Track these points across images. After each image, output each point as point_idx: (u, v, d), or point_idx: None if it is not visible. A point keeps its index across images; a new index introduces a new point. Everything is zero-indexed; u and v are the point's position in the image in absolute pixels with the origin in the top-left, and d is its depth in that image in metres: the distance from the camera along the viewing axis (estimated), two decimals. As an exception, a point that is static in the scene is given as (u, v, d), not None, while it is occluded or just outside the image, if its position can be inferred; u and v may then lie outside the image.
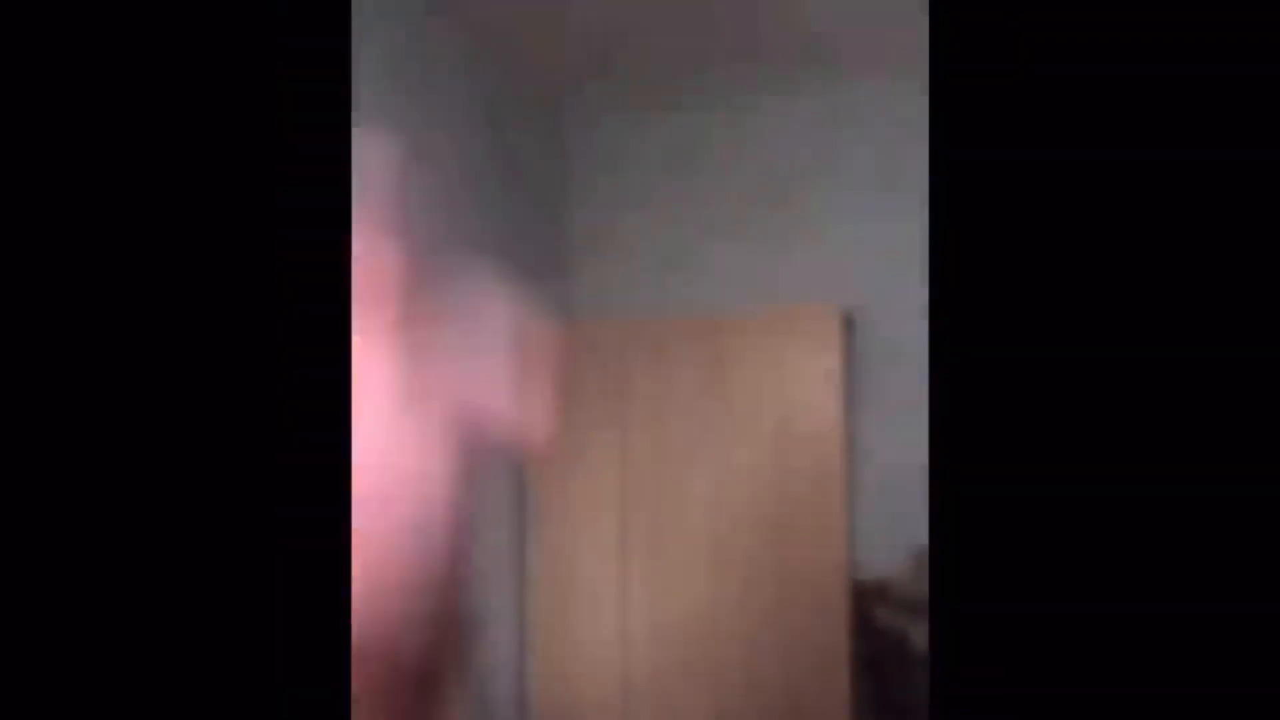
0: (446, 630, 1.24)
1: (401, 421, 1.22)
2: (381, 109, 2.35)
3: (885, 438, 3.04)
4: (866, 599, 2.90)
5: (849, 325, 2.84)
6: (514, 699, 2.93)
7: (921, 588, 2.88)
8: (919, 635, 2.74)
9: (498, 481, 2.92)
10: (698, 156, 3.34)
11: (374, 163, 1.29)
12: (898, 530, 2.98)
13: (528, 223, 3.19)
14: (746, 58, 3.01)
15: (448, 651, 1.25)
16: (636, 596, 2.89)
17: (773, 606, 2.73)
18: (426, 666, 1.21)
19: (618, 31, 2.78)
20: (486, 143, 2.96)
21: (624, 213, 3.42)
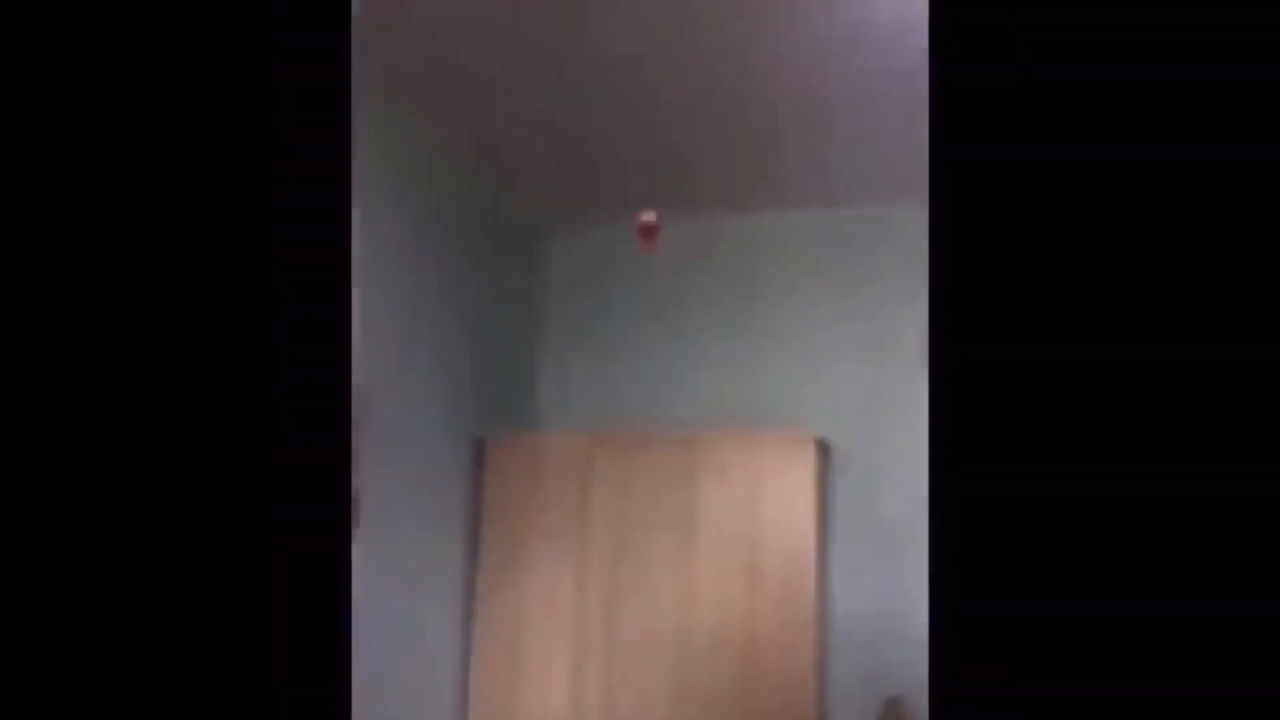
0: None
1: None
2: (368, 208, 2.30)
3: (858, 576, 2.90)
4: (834, 752, 2.69)
5: (825, 452, 2.75)
6: None
7: (892, 742, 2.68)
8: (890, 797, 2.52)
9: (443, 591, 2.71)
10: (675, 273, 3.33)
11: None
12: (869, 676, 2.80)
13: (498, 328, 3.12)
14: (735, 177, 3.04)
15: None
16: (585, 737, 2.64)
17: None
18: None
19: (604, 145, 2.80)
20: (465, 248, 2.92)
21: (596, 324, 3.37)
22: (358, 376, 2.14)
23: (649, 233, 2.43)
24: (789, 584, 2.56)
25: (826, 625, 2.82)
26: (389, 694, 2.43)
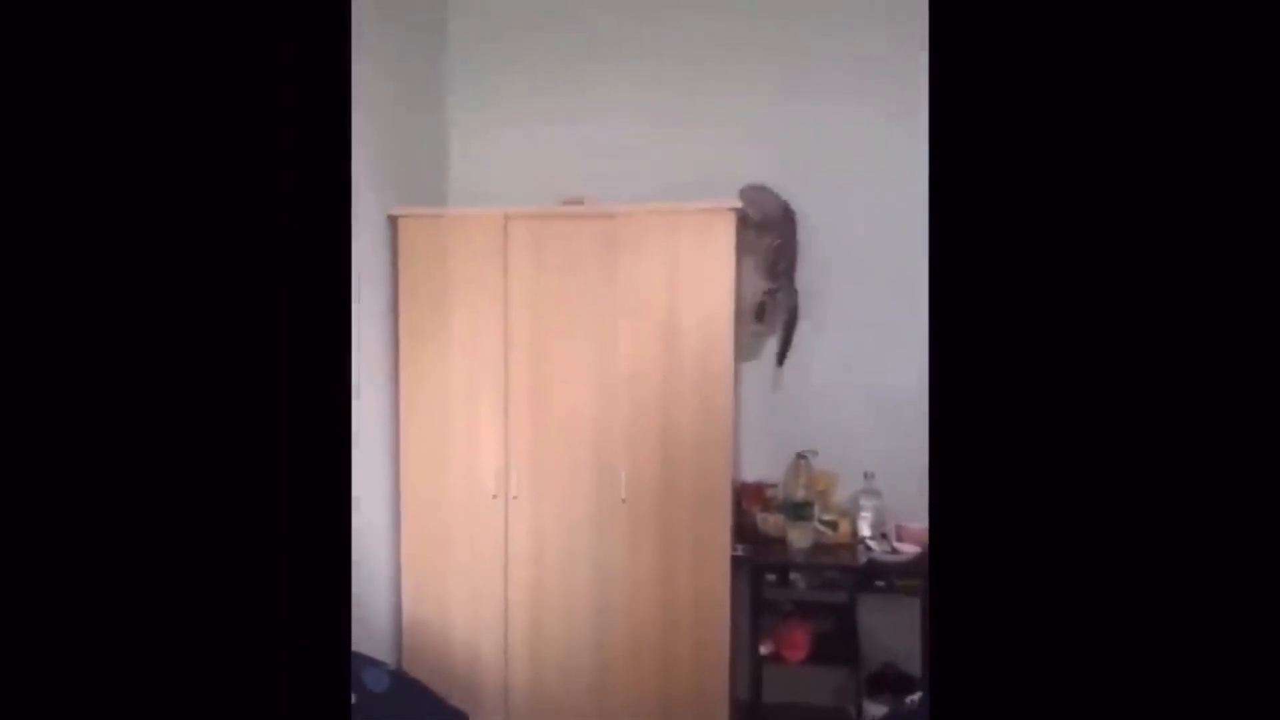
0: None
1: None
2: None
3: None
4: (748, 501, 2.91)
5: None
6: (391, 610, 2.79)
7: (796, 493, 2.90)
8: (796, 537, 2.77)
9: (369, 371, 2.71)
10: (585, 41, 3.14)
11: None
12: (778, 436, 2.99)
13: (403, 106, 2.92)
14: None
15: None
16: (516, 501, 2.78)
17: (656, 508, 2.68)
18: None
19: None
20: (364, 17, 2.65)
21: (503, 98, 3.19)
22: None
23: None
24: (707, 353, 2.63)
25: (741, 391, 2.95)
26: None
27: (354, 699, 2.05)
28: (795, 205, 2.95)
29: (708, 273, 2.61)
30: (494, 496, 2.78)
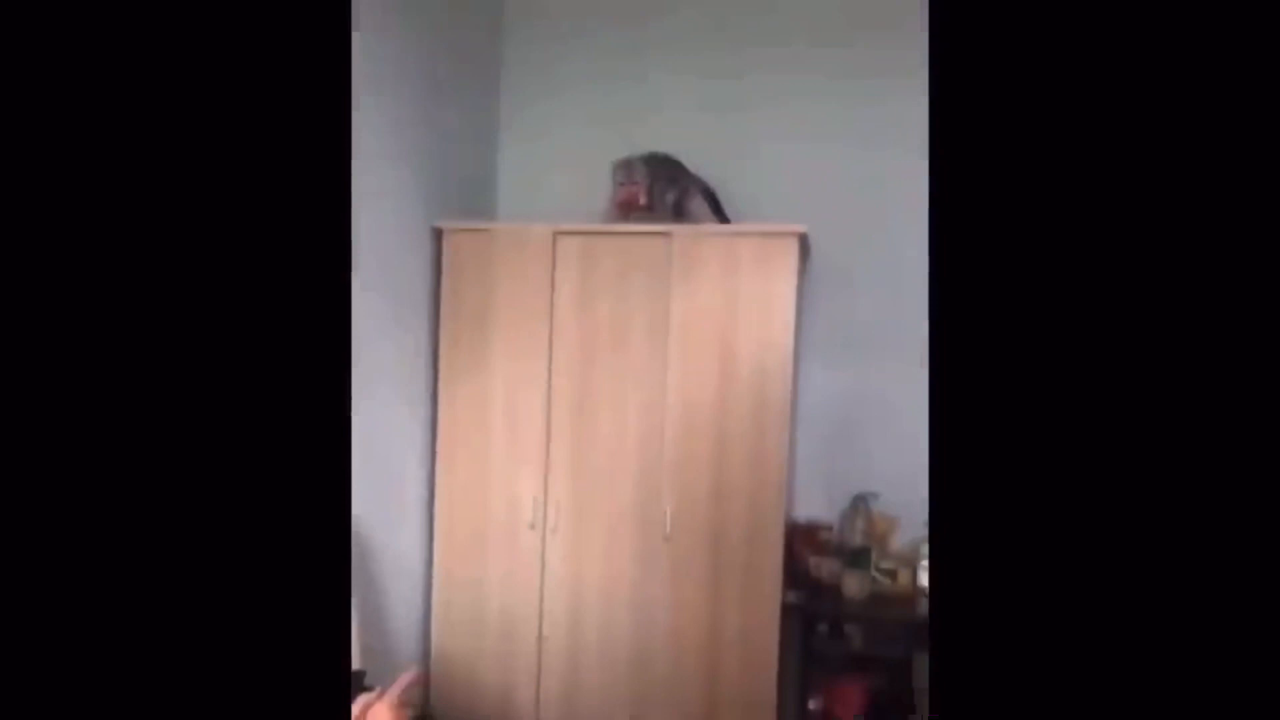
0: None
1: None
2: None
3: (828, 377, 2.84)
4: (799, 543, 2.72)
5: (805, 247, 2.58)
6: (419, 639, 2.66)
7: (853, 538, 2.71)
8: (851, 586, 2.57)
9: (407, 393, 2.60)
10: (641, 63, 3.01)
11: None
12: (835, 475, 2.81)
13: (453, 121, 2.82)
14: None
15: None
16: (554, 534, 2.63)
17: (703, 547, 2.51)
18: None
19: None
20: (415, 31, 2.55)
21: (554, 113, 3.07)
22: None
23: None
24: (763, 383, 2.46)
25: (796, 425, 2.77)
26: (356, 495, 2.36)
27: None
28: (851, 243, 2.77)
29: (767, 300, 2.45)
30: (531, 527, 2.64)
